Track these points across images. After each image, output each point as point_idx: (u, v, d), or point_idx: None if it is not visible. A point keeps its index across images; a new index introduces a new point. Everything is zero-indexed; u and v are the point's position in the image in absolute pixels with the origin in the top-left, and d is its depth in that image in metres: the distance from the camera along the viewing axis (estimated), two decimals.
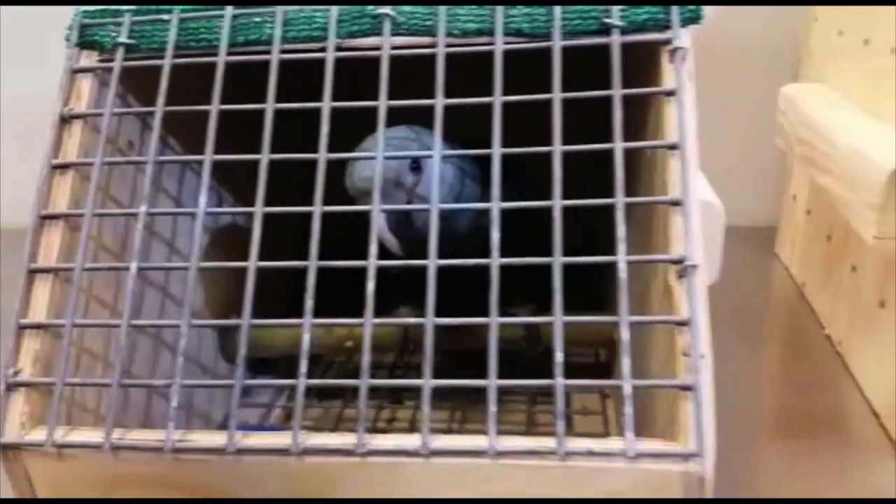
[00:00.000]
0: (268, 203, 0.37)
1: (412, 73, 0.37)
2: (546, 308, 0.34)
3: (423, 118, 0.38)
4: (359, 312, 0.35)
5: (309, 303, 0.35)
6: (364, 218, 0.37)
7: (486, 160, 0.37)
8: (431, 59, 0.38)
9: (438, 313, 0.34)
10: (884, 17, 0.61)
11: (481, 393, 0.33)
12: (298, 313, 0.35)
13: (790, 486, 0.55)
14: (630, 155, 0.39)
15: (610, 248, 0.35)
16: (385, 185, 0.40)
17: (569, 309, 0.34)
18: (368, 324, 0.34)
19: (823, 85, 0.71)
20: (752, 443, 0.59)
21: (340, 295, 0.36)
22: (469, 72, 0.37)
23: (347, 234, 0.37)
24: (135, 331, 0.44)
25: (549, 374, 0.33)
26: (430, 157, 0.37)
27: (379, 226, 0.37)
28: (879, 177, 0.50)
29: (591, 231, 0.41)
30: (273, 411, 0.56)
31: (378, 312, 0.35)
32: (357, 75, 0.38)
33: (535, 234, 0.36)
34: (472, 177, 0.45)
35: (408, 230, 0.41)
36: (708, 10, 0.99)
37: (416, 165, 0.43)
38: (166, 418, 0.34)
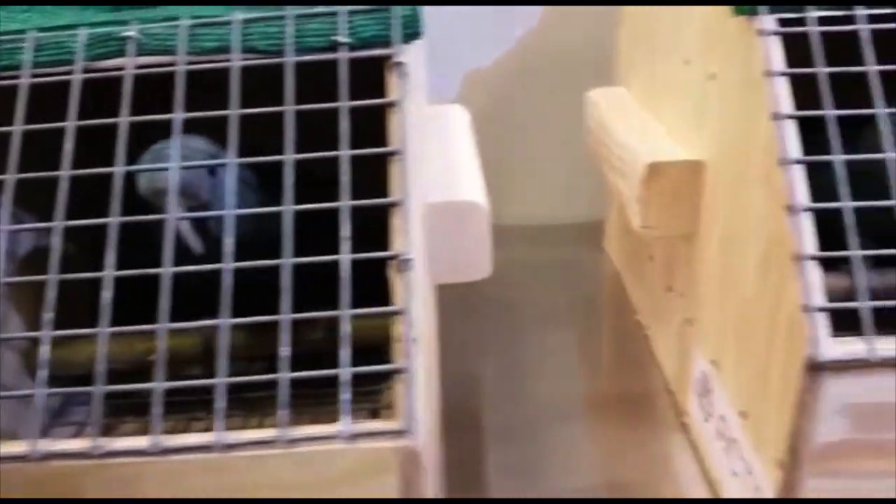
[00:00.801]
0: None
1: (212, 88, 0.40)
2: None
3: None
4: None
5: (47, 315, 0.36)
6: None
7: (268, 171, 0.39)
8: (218, 74, 0.40)
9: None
10: (662, 18, 0.65)
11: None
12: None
13: (590, 459, 0.60)
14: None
15: None
16: (186, 187, 0.42)
17: None
18: (103, 334, 0.36)
19: (625, 88, 0.76)
20: (564, 422, 0.63)
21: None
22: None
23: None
24: None
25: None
26: (167, 168, 0.39)
27: (184, 228, 0.40)
28: (640, 169, 0.55)
29: None
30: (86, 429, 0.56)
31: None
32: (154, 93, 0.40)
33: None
34: (251, 186, 0.47)
35: (203, 233, 0.43)
36: (537, 12, 1.00)
37: (213, 171, 0.45)
38: None
